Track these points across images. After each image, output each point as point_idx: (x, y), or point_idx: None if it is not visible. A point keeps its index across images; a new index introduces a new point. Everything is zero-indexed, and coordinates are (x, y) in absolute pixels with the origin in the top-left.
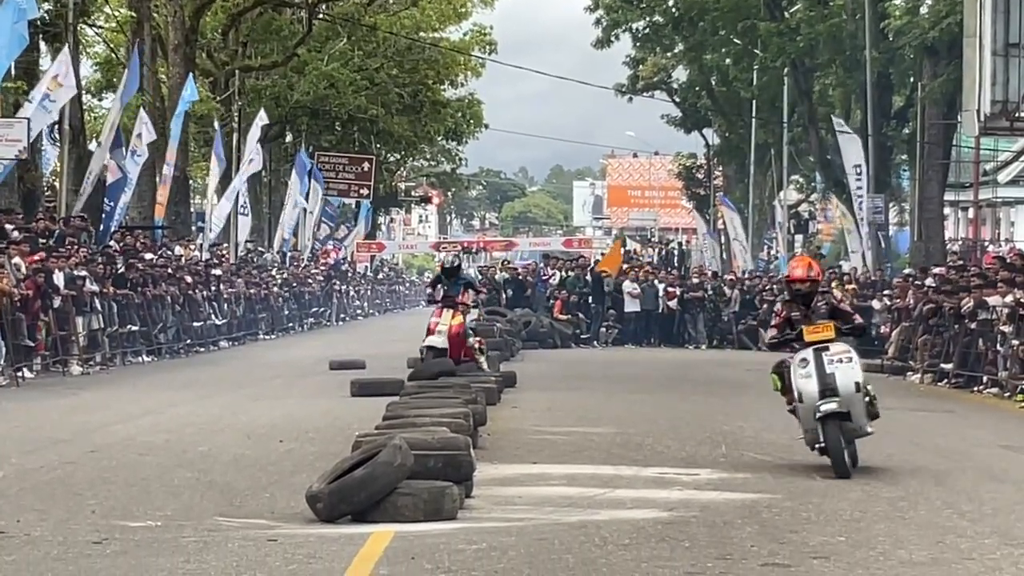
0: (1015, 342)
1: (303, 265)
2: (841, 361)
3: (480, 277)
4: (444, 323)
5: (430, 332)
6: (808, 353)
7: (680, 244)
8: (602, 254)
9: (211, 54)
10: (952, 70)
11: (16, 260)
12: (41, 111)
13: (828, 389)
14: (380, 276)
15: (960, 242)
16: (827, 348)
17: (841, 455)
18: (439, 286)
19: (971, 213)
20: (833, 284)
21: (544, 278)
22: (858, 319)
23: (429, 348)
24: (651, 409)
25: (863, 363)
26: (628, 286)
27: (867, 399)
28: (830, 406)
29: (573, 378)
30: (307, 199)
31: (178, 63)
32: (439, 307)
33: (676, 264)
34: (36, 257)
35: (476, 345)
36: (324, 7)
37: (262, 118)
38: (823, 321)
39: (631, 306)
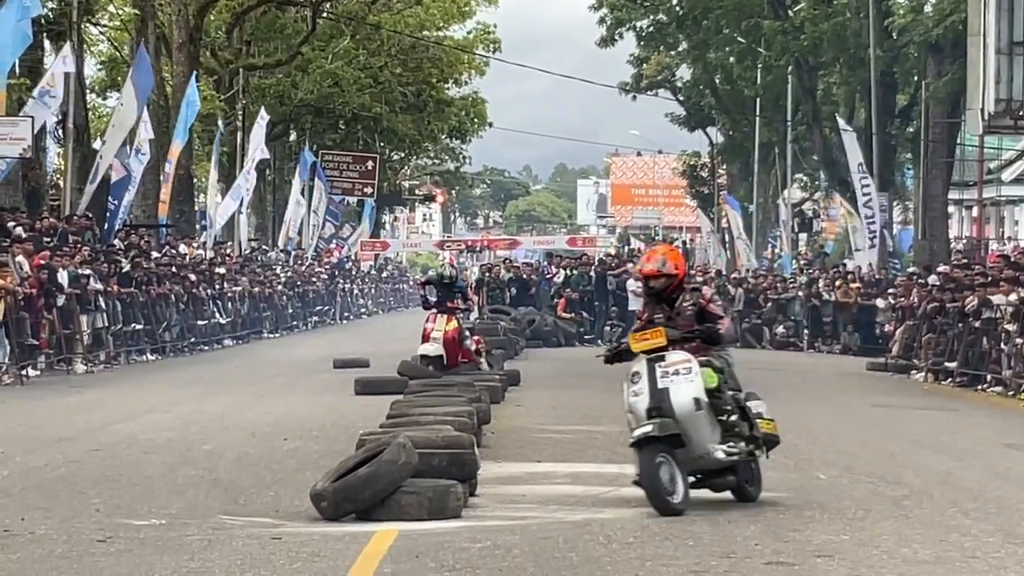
0: (1019, 340)
1: (307, 264)
2: (678, 373)
3: (485, 275)
4: (439, 329)
5: (425, 338)
6: (641, 365)
7: (684, 243)
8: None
9: (215, 52)
10: (956, 68)
11: (20, 259)
12: (41, 107)
13: (656, 408)
14: (384, 275)
15: (964, 240)
16: (663, 358)
17: (657, 489)
18: (429, 286)
19: (975, 211)
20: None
21: (548, 276)
22: (722, 324)
23: (423, 357)
24: None
25: (868, 361)
26: (632, 284)
27: (730, 416)
28: (644, 429)
29: (577, 376)
30: (311, 198)
31: (182, 61)
32: (433, 313)
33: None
34: (41, 256)
35: (474, 346)
36: (328, 5)
37: (263, 116)
38: (655, 327)
39: (635, 304)
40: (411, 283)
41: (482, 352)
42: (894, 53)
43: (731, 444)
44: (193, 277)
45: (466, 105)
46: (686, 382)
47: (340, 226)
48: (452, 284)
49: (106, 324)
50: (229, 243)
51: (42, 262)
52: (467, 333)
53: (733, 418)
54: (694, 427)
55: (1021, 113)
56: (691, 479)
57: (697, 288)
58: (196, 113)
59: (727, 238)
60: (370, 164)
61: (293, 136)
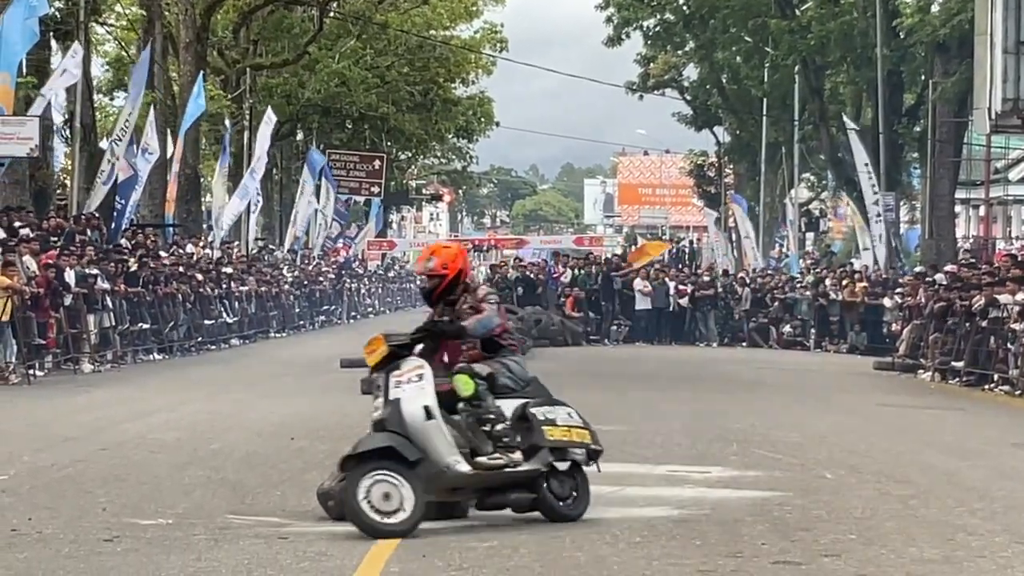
0: None
1: (314, 263)
2: (409, 381)
3: (492, 275)
4: None
5: None
6: (380, 377)
7: (691, 242)
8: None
9: (222, 52)
10: (963, 68)
11: (27, 258)
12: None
13: (383, 421)
14: (391, 274)
15: (971, 240)
16: (397, 367)
17: (355, 510)
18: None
19: (982, 211)
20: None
21: (555, 276)
22: (467, 322)
23: None
24: (662, 407)
25: (875, 361)
26: (639, 284)
27: (495, 426)
28: (370, 443)
29: (584, 376)
30: (318, 197)
31: (189, 61)
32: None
33: (687, 262)
34: (48, 255)
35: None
36: (335, 5)
37: (270, 116)
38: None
39: (642, 304)
40: (418, 283)
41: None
42: (901, 52)
43: (495, 456)
44: (200, 276)
45: (473, 104)
46: (416, 390)
47: (347, 225)
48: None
49: (113, 324)
50: (236, 242)
51: (49, 262)
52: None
53: (500, 427)
54: (427, 438)
55: None
56: (472, 499)
57: (475, 287)
58: (202, 112)
59: (734, 237)
60: (377, 163)
61: (300, 135)
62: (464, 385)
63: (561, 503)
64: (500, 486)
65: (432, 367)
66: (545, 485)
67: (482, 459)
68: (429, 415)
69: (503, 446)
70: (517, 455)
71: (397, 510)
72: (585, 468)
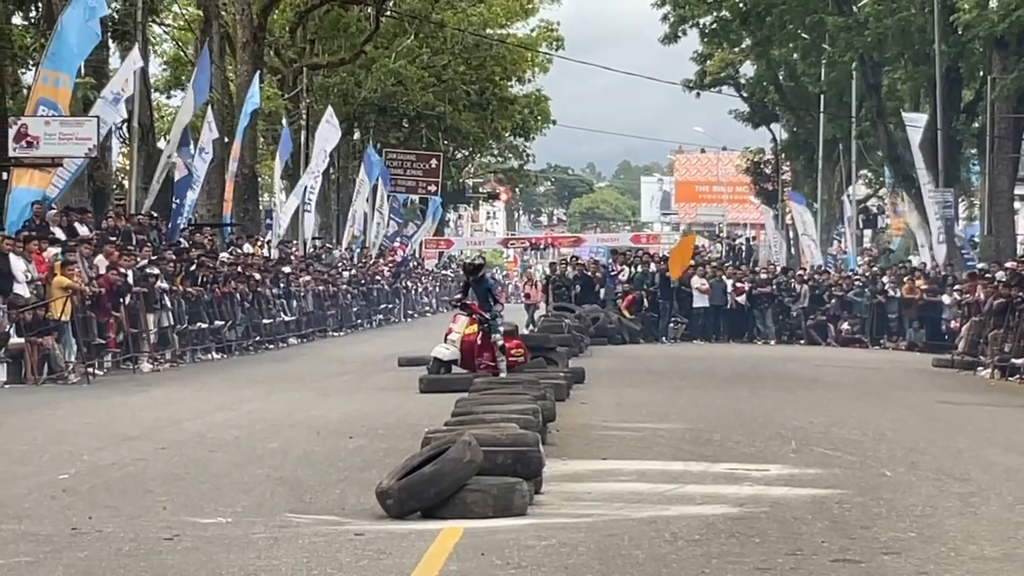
0: None
1: (371, 262)
2: None
3: (552, 273)
4: (458, 331)
5: (446, 338)
6: None
7: (748, 239)
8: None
9: (279, 52)
10: (1022, 64)
11: (100, 258)
12: (109, 108)
13: None
14: (448, 272)
15: None
16: None
17: None
18: (469, 291)
19: None
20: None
21: (613, 274)
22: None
23: (434, 359)
24: (720, 404)
25: (934, 358)
26: (696, 281)
27: None
28: None
29: (641, 373)
30: (375, 196)
31: (246, 61)
32: (456, 313)
33: (744, 259)
34: (109, 255)
35: (502, 343)
36: (391, 4)
37: (332, 116)
38: None
39: (699, 301)
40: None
41: (518, 355)
42: (959, 48)
43: None
44: (258, 276)
45: (529, 103)
46: None
47: (404, 224)
48: (479, 275)
49: (172, 323)
50: (294, 242)
51: (116, 262)
52: (499, 335)
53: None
54: None
55: None
56: None
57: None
58: (256, 110)
59: (791, 235)
60: (434, 162)
61: (357, 135)
62: None
63: None
64: None
65: None
66: None
67: None
68: None
69: None
70: None
71: None
72: None
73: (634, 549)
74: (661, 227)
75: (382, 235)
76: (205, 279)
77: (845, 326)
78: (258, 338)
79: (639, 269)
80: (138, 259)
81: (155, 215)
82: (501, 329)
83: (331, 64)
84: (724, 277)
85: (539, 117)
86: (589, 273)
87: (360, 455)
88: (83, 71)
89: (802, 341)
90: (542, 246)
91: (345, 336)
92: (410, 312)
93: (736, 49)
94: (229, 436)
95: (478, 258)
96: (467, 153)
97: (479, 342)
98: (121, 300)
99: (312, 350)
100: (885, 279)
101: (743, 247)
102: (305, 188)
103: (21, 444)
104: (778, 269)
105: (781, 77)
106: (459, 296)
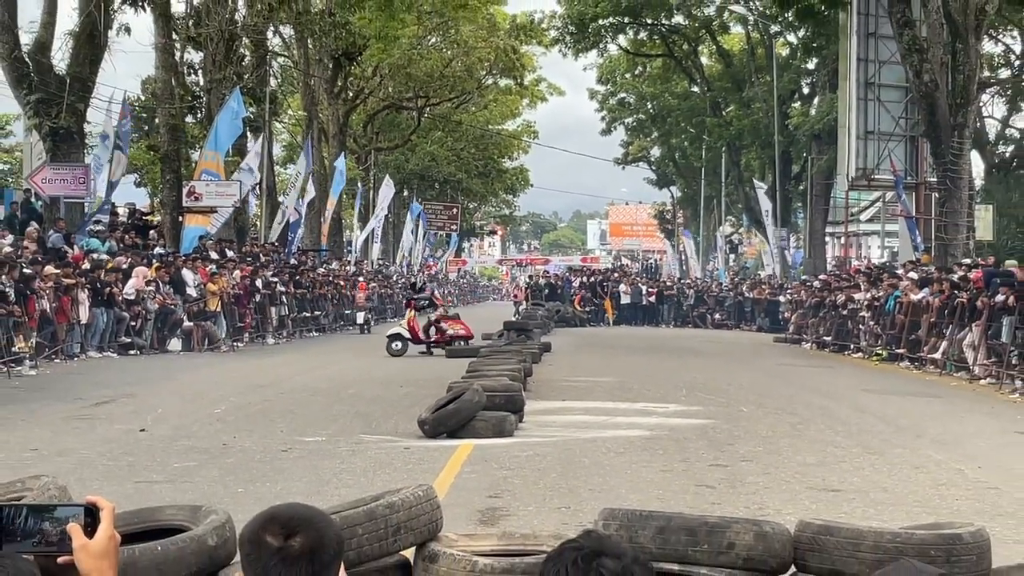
0: (871, 322)
1: (415, 274)
2: None
3: (530, 281)
4: (405, 317)
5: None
6: None
7: (655, 261)
8: (606, 268)
9: (356, 139)
10: (830, 149)
11: (236, 272)
12: (247, 175)
13: None
14: (464, 281)
15: (835, 258)
16: None
17: None
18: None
19: (843, 240)
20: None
21: (570, 282)
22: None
23: (395, 334)
24: (637, 365)
25: (774, 336)
26: (623, 287)
27: None
28: None
29: (587, 346)
30: (416, 232)
31: (335, 145)
32: (406, 306)
33: (653, 273)
34: (245, 270)
35: (451, 330)
36: (428, 109)
37: (389, 182)
38: None
39: (625, 299)
40: (480, 287)
41: (453, 332)
42: (790, 139)
43: None
44: (342, 282)
45: (516, 173)
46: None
47: (434, 250)
48: (419, 288)
49: (287, 313)
50: (365, 261)
51: (246, 274)
52: (432, 320)
53: None
54: None
55: (872, 177)
56: None
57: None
58: (344, 178)
59: (683, 257)
60: (454, 210)
61: (405, 192)
62: None
63: None
64: None
65: None
66: None
67: None
68: None
69: None
70: None
71: None
72: None
73: (583, 458)
74: (600, 253)
75: (420, 257)
76: (308, 284)
77: (717, 316)
78: (342, 323)
79: (587, 280)
80: (265, 272)
81: (276, 244)
82: (433, 315)
83: (389, 147)
84: (640, 284)
85: (522, 182)
86: (554, 282)
87: (408, 398)
88: (231, 152)
89: (690, 325)
90: (524, 264)
91: (397, 322)
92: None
93: (648, 139)
94: (323, 385)
95: (418, 280)
96: (476, 204)
97: (416, 325)
98: (253, 298)
99: (377, 331)
100: (743, 286)
101: (653, 265)
102: (372, 227)
103: (191, 390)
104: (675, 279)
105: (677, 157)
106: (407, 300)
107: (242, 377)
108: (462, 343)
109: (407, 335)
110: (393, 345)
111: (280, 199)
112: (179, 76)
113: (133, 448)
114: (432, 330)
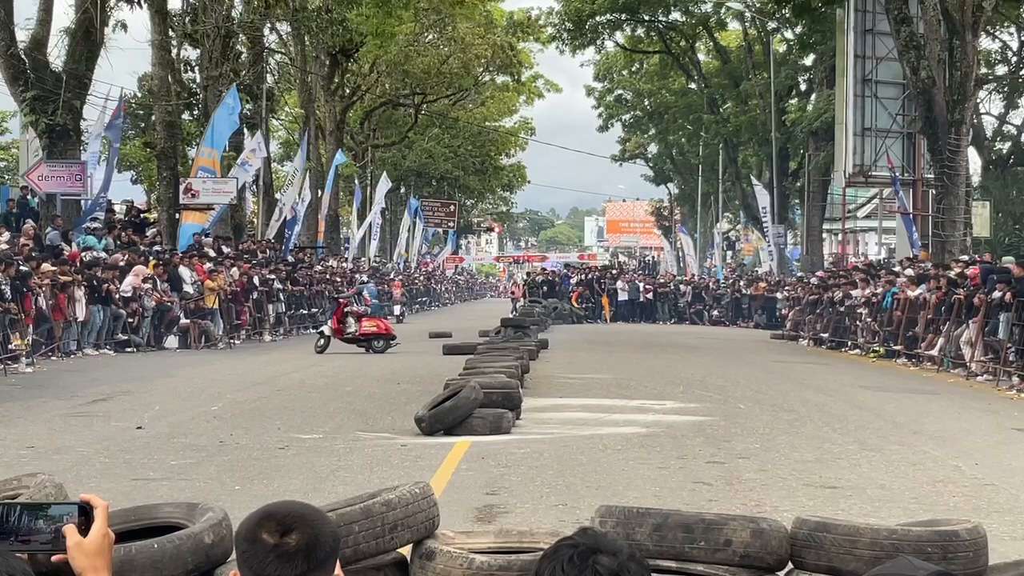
0: (868, 319)
1: (412, 271)
2: None
3: (528, 278)
4: (330, 319)
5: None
6: None
7: (653, 257)
8: (603, 265)
9: (353, 136)
10: (828, 145)
11: (233, 269)
12: (243, 171)
13: None
14: (461, 278)
15: (832, 255)
16: None
17: None
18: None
19: (840, 236)
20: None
21: (568, 279)
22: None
23: (320, 332)
24: (634, 362)
25: (771, 333)
26: (620, 284)
27: None
28: None
29: (584, 343)
30: (414, 229)
31: (331, 142)
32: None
33: (650, 270)
34: (243, 267)
35: (374, 329)
36: (425, 106)
37: (385, 179)
38: None
39: (622, 296)
40: (478, 284)
41: (367, 329)
42: (788, 136)
43: None
44: (339, 279)
45: (513, 170)
46: None
47: (432, 247)
48: (354, 288)
49: (284, 310)
50: (362, 258)
51: (244, 270)
52: (354, 319)
53: None
54: None
55: (869, 174)
56: None
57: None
58: (338, 173)
59: (680, 254)
60: (452, 207)
61: (402, 190)
62: None
63: None
64: None
65: None
66: None
67: None
68: None
69: None
70: None
71: None
72: None
73: (580, 455)
74: (597, 250)
75: (418, 254)
76: (304, 281)
77: (715, 313)
78: None
79: (584, 276)
80: (261, 269)
81: (273, 241)
82: (358, 311)
83: (386, 144)
84: (637, 281)
85: (519, 179)
86: (551, 279)
87: (404, 395)
88: (227, 148)
89: (687, 322)
90: (521, 261)
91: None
92: (436, 303)
93: (645, 135)
94: (320, 382)
95: (359, 285)
96: (473, 201)
97: (338, 325)
98: (250, 295)
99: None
100: (740, 283)
101: (650, 262)
102: (370, 224)
103: (187, 387)
104: (672, 276)
105: (674, 153)
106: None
107: (239, 374)
108: (381, 342)
109: (328, 332)
110: (317, 343)
111: (277, 196)
112: (176, 73)
113: (130, 445)
114: (353, 328)
